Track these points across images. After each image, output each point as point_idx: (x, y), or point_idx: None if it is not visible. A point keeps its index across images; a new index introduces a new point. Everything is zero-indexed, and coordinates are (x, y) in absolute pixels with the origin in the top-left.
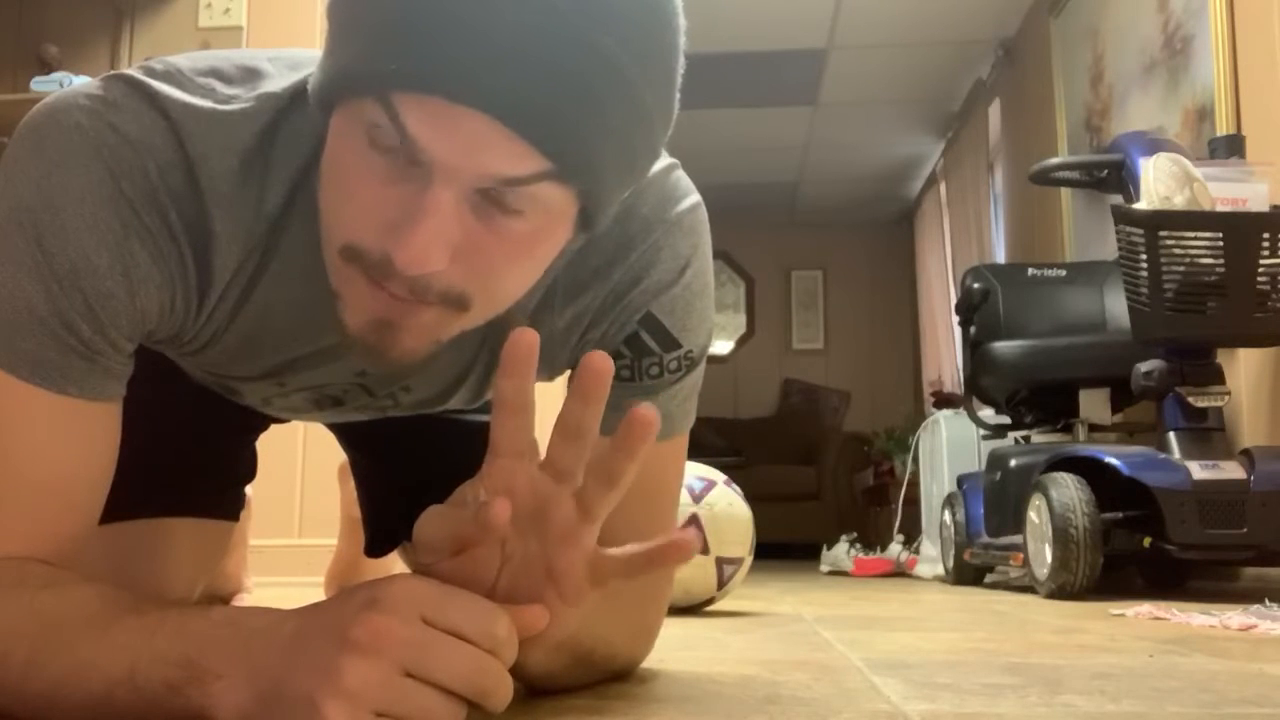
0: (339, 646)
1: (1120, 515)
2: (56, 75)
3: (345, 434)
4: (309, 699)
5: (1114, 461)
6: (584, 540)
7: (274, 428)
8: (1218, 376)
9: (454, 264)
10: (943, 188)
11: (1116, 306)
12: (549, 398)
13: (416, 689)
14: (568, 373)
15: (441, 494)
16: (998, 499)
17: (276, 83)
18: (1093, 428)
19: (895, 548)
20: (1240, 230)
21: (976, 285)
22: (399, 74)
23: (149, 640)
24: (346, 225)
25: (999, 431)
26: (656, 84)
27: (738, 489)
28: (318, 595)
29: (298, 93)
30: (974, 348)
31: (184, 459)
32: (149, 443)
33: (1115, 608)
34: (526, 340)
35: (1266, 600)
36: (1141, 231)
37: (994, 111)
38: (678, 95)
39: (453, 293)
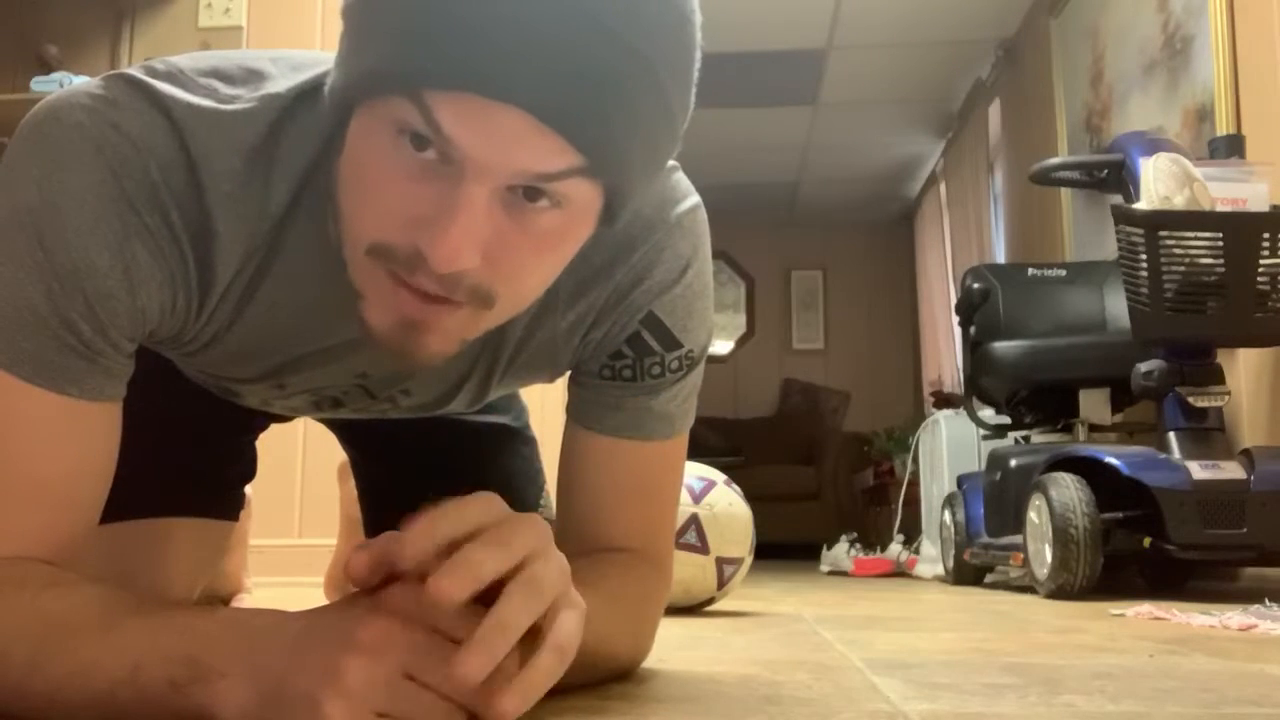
0: (343, 647)
1: (1120, 515)
2: (56, 75)
3: (346, 433)
4: (311, 697)
5: (1114, 461)
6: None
7: (274, 428)
8: (1218, 376)
9: (483, 262)
10: (943, 188)
11: (1116, 306)
12: (549, 397)
13: (418, 692)
14: (568, 373)
15: (441, 493)
16: (998, 499)
17: (279, 84)
18: (1093, 428)
19: (895, 548)
20: (1240, 230)
21: (976, 285)
22: (432, 72)
23: (153, 639)
24: (374, 224)
25: (999, 431)
26: (679, 78)
27: (738, 489)
28: (318, 595)
29: (301, 94)
30: (974, 348)
31: (184, 459)
32: (149, 443)
33: (1115, 608)
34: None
35: (1266, 600)
36: (1141, 231)
37: (994, 111)
38: (694, 90)
39: (480, 290)
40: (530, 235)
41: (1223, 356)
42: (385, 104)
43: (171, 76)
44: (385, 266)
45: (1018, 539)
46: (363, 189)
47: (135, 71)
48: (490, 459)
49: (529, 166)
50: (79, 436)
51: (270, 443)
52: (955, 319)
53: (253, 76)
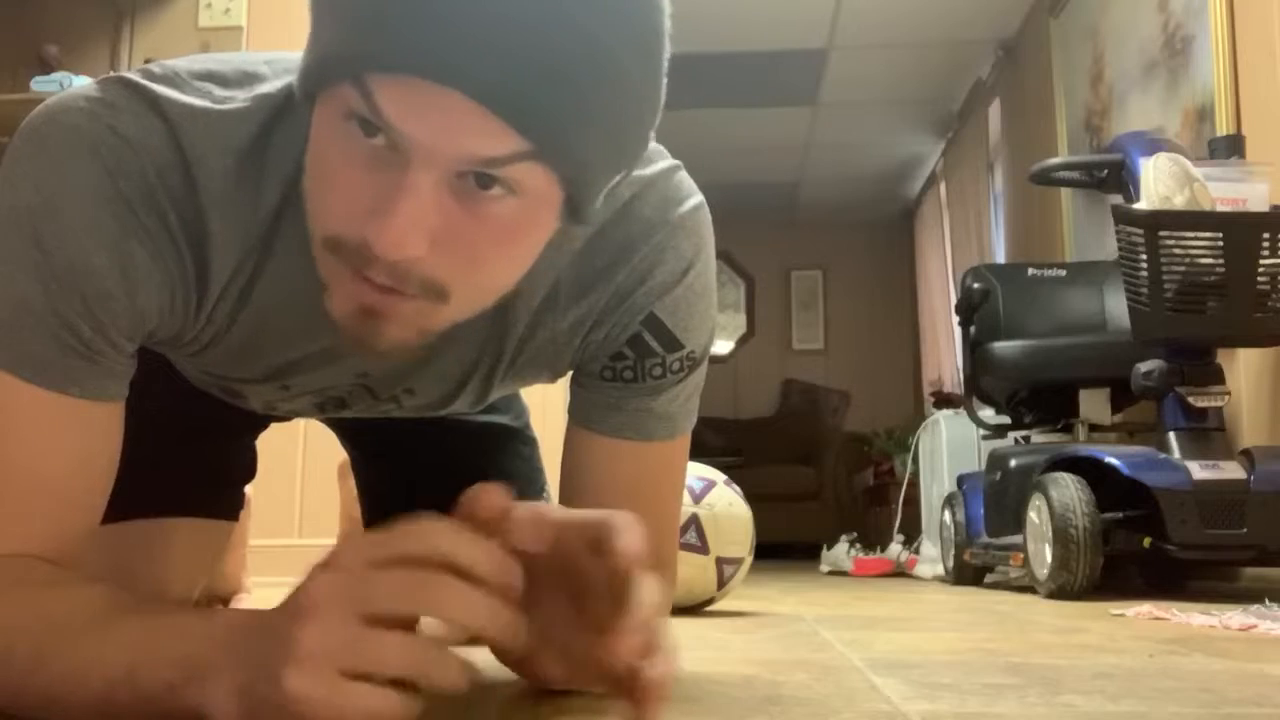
0: (292, 617)
1: (1120, 515)
2: (56, 75)
3: (346, 432)
4: (272, 675)
5: (1114, 461)
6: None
7: (274, 427)
8: (1218, 376)
9: (434, 252)
10: (943, 188)
11: (1116, 306)
12: (550, 397)
13: (381, 636)
14: (569, 374)
15: (441, 493)
16: (998, 499)
17: (273, 84)
18: (1093, 428)
19: (895, 548)
20: (1240, 230)
21: (976, 285)
22: (372, 55)
23: (150, 640)
24: (329, 216)
25: (999, 431)
26: (643, 66)
27: (738, 489)
28: None
29: (292, 93)
30: (974, 348)
31: (183, 459)
32: (149, 443)
33: (1115, 608)
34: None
35: (1266, 600)
36: (1141, 231)
37: (994, 111)
38: (664, 81)
39: (432, 283)
40: (483, 223)
41: (1223, 356)
42: (336, 92)
43: (168, 79)
44: (342, 259)
45: (1018, 539)
46: (319, 180)
47: (133, 75)
48: (490, 459)
49: (473, 150)
50: (80, 436)
51: (270, 443)
52: (955, 319)
53: (248, 78)
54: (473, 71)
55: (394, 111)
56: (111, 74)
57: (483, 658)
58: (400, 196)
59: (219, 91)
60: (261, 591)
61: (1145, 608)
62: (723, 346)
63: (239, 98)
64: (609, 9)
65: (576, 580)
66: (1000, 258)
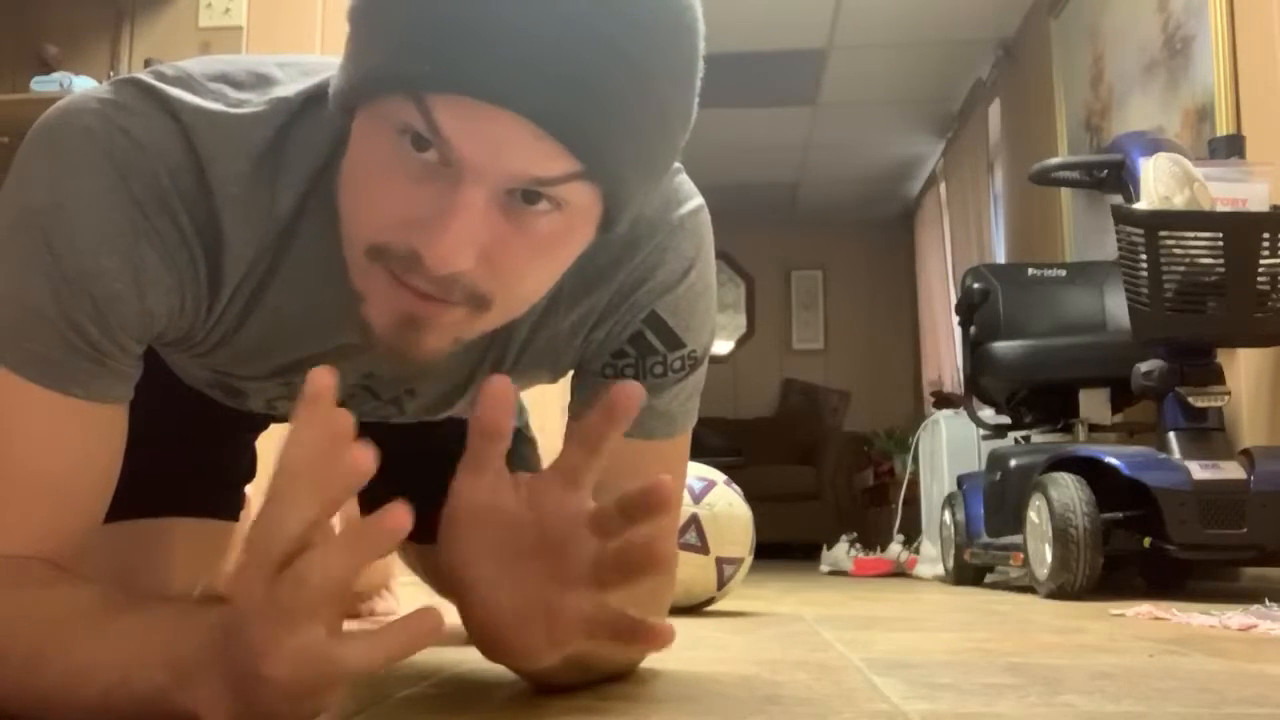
0: (240, 614)
1: (1120, 515)
2: (56, 75)
3: None
4: (252, 673)
5: (1114, 461)
6: (592, 596)
7: (274, 427)
8: (1218, 376)
9: (479, 264)
10: (943, 188)
11: (1116, 306)
12: (550, 397)
13: (297, 568)
14: (570, 372)
15: (439, 494)
16: (998, 499)
17: (288, 88)
18: (1093, 428)
19: (895, 548)
20: (1240, 230)
21: (976, 285)
22: (432, 74)
23: (142, 642)
24: (373, 225)
25: (999, 431)
26: (677, 87)
27: (738, 489)
28: None
29: (310, 98)
30: (974, 348)
31: (184, 459)
32: (149, 443)
33: (1115, 608)
34: (501, 389)
35: (1266, 600)
36: (1141, 231)
37: (994, 111)
38: (696, 99)
39: (476, 293)
40: (528, 238)
41: (1223, 356)
42: (387, 105)
43: (181, 81)
44: (384, 267)
45: (1018, 539)
46: (363, 190)
47: (145, 76)
48: None
49: (526, 171)
50: (84, 437)
51: (270, 443)
52: (955, 319)
53: (261, 81)
54: (525, 93)
55: (452, 130)
56: (124, 75)
57: (482, 661)
58: (453, 212)
59: (233, 94)
60: None
61: (1145, 608)
62: (723, 346)
63: (254, 101)
64: (650, 33)
65: (559, 545)
66: (1000, 258)
